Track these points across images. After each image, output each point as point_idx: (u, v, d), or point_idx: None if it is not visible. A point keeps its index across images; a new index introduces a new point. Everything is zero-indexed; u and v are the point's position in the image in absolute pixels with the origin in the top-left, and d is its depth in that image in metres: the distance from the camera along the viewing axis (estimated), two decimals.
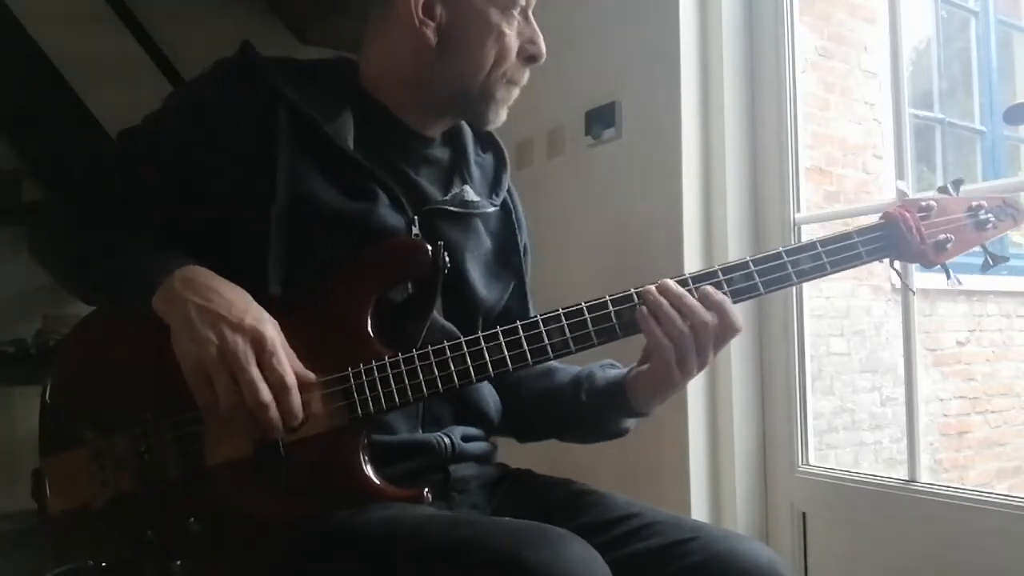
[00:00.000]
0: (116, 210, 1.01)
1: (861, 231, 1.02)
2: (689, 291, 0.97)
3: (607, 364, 1.10)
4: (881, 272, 3.59)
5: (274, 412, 0.88)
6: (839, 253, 1.00)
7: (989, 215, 1.04)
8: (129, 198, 1.02)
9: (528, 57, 1.07)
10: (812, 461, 1.75)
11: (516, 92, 1.09)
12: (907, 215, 1.02)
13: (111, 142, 1.11)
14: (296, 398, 0.90)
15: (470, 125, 1.13)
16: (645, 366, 1.02)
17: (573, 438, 1.17)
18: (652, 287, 0.97)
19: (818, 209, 3.14)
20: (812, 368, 1.81)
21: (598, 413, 1.09)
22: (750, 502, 1.77)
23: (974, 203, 1.05)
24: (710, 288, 0.97)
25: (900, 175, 1.61)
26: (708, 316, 0.95)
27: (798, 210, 1.77)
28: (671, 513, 1.03)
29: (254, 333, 0.89)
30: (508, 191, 1.18)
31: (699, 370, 0.98)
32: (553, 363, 1.13)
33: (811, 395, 1.77)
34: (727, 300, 0.97)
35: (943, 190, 1.06)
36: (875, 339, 3.62)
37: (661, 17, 1.83)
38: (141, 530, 0.93)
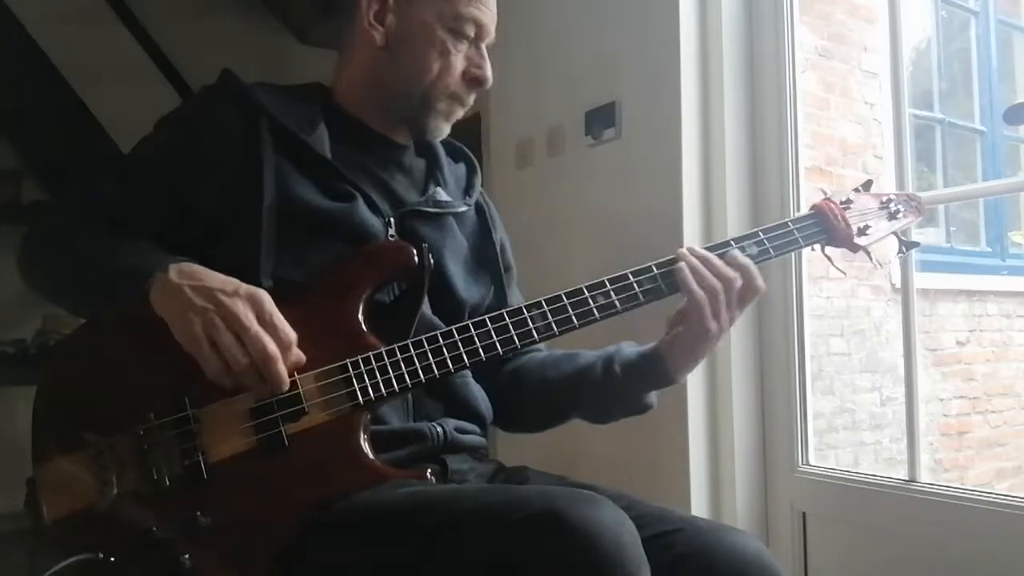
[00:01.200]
0: (116, 223, 1.06)
1: (796, 220, 1.18)
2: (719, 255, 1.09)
3: (631, 344, 1.18)
4: (881, 272, 3.59)
5: (282, 367, 0.92)
6: (779, 239, 1.15)
7: (899, 206, 1.22)
8: (125, 218, 1.06)
9: (472, 79, 1.15)
10: (812, 461, 1.75)
11: (460, 110, 1.17)
12: (832, 206, 1.18)
13: (110, 145, 1.15)
14: (297, 354, 0.94)
15: (414, 135, 1.19)
16: (677, 329, 1.10)
17: (600, 416, 1.22)
18: (683, 250, 1.08)
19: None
20: (812, 368, 1.81)
21: (632, 385, 1.15)
22: (750, 502, 1.77)
23: (884, 197, 1.23)
24: (736, 252, 1.09)
25: (900, 175, 1.61)
26: (733, 273, 1.07)
27: (798, 210, 1.77)
28: (659, 505, 1.04)
29: (251, 295, 0.93)
30: (482, 195, 1.27)
31: (728, 327, 1.08)
32: (568, 350, 1.22)
33: (811, 395, 1.77)
34: (751, 262, 1.09)
35: (856, 191, 1.23)
36: (875, 339, 3.62)
37: (661, 17, 1.83)
38: (148, 527, 0.93)
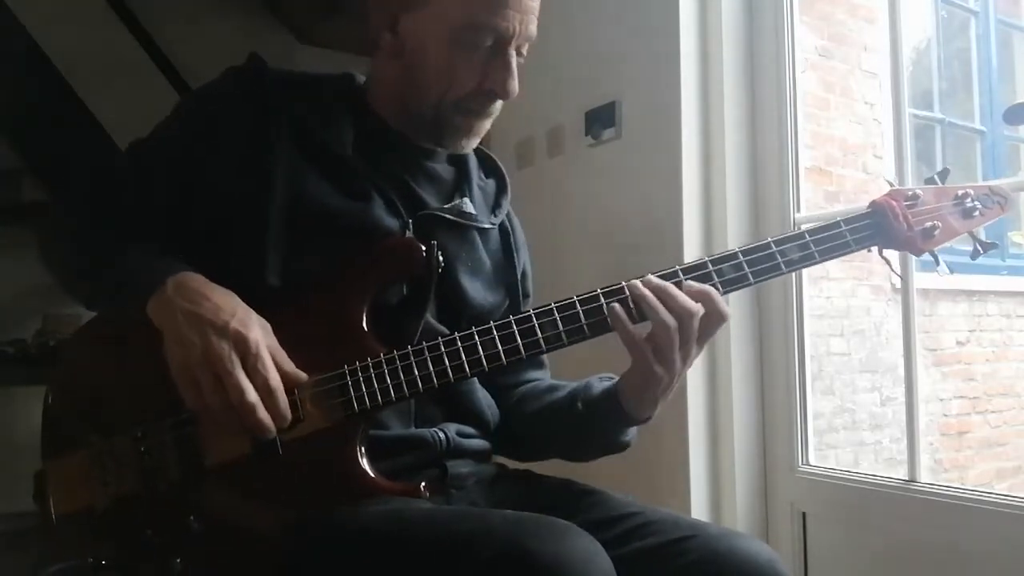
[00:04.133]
0: (122, 216, 1.04)
1: (848, 220, 1.03)
2: (677, 283, 0.97)
3: (605, 376, 1.09)
4: (881, 272, 3.59)
5: (262, 413, 0.89)
6: (827, 242, 1.01)
7: (976, 203, 1.06)
8: (138, 205, 1.04)
9: (488, 91, 1.04)
10: (812, 461, 1.75)
11: (484, 123, 1.09)
12: (894, 203, 1.04)
13: (119, 150, 1.12)
14: (282, 400, 0.91)
15: (438, 147, 1.12)
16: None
17: (576, 454, 1.17)
18: (637, 280, 0.97)
19: (818, 209, 3.14)
20: (812, 368, 1.81)
21: (595, 422, 1.07)
22: (750, 502, 1.77)
23: (960, 191, 1.07)
24: (692, 281, 0.97)
25: (900, 175, 1.61)
26: (693, 305, 0.94)
27: (798, 210, 1.77)
28: (670, 512, 1.03)
29: (237, 336, 0.90)
30: (508, 216, 1.21)
31: (683, 364, 0.97)
32: (556, 381, 1.16)
33: (811, 395, 1.77)
34: (712, 289, 0.96)
35: (930, 181, 1.08)
36: (875, 339, 3.62)
37: (661, 17, 1.84)
38: (141, 529, 0.93)
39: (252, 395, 0.88)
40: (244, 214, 1.00)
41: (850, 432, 3.52)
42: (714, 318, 0.96)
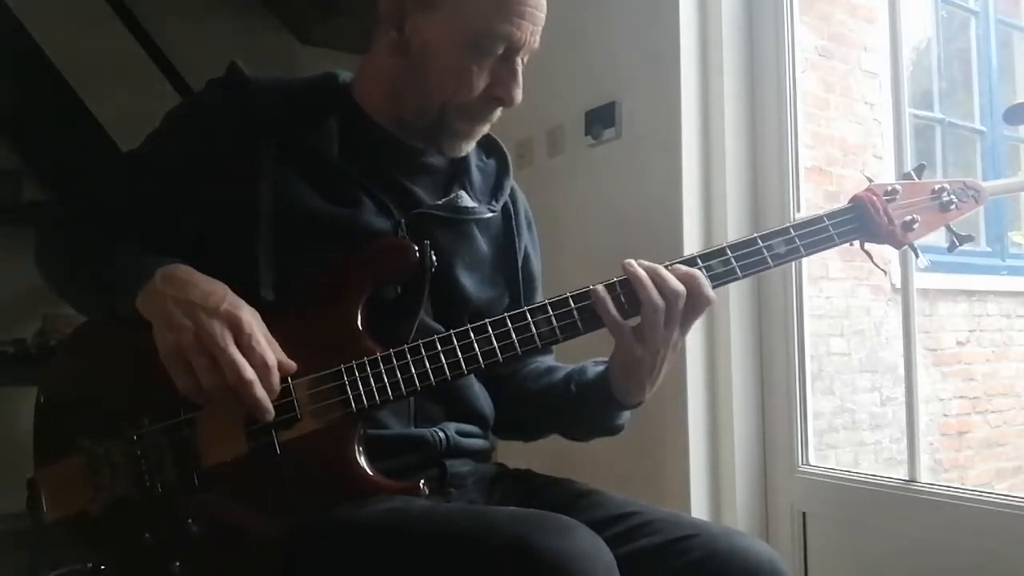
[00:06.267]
0: (113, 227, 1.04)
1: (831, 215, 1.07)
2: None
3: (600, 361, 1.10)
4: (881, 272, 3.59)
5: (259, 391, 0.89)
6: (811, 236, 1.05)
7: (952, 196, 1.10)
8: (130, 216, 1.04)
9: (494, 98, 1.05)
10: (812, 461, 1.75)
11: (483, 128, 1.09)
12: (874, 198, 1.07)
13: (110, 146, 1.13)
14: (277, 377, 0.91)
15: (432, 149, 1.12)
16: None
17: (572, 434, 1.18)
18: (632, 260, 0.99)
19: (818, 209, 3.14)
20: (812, 368, 1.81)
21: (587, 406, 1.09)
22: (750, 502, 1.77)
23: (937, 186, 1.10)
24: (680, 265, 1.00)
25: (900, 175, 1.60)
26: (680, 287, 0.96)
27: (798, 210, 1.77)
28: (670, 511, 1.04)
29: (230, 316, 0.90)
30: (512, 195, 1.20)
31: (666, 349, 0.98)
32: (556, 363, 1.17)
33: (811, 395, 1.77)
34: (698, 272, 0.98)
35: (906, 176, 1.12)
36: (875, 339, 3.62)
37: (661, 17, 1.83)
38: (139, 533, 0.93)
39: (249, 372, 0.88)
40: (233, 226, 1.00)
41: (850, 432, 3.52)
42: (700, 301, 0.98)
